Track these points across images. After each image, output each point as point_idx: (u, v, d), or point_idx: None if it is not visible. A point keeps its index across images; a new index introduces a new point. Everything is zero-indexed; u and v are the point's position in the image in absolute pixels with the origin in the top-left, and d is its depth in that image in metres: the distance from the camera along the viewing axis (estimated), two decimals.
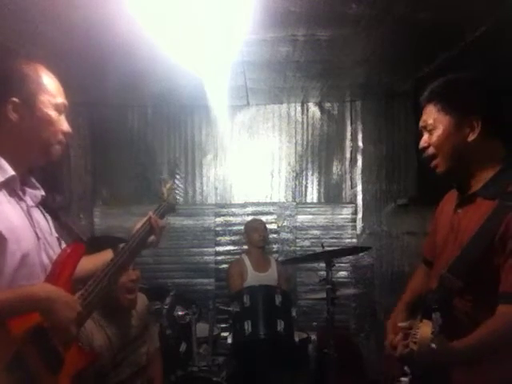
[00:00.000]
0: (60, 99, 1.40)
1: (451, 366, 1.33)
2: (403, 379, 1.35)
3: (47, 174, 1.47)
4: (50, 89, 1.37)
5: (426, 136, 1.47)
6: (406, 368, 1.36)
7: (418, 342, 1.22)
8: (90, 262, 1.54)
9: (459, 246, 1.36)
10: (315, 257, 3.45)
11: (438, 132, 1.42)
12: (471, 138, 1.38)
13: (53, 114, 1.37)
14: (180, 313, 2.91)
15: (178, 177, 4.36)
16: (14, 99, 1.31)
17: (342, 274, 4.22)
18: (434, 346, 1.18)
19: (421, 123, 1.49)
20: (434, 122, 1.43)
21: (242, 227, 4.17)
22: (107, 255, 1.57)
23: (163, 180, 1.93)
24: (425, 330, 1.22)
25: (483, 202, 1.37)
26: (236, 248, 4.27)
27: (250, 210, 4.31)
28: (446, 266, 1.36)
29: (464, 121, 1.39)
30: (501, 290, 1.27)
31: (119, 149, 4.31)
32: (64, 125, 1.40)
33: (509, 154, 1.42)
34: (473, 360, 1.30)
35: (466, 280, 1.29)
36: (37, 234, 1.36)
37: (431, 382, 1.35)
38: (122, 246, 1.57)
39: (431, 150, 1.46)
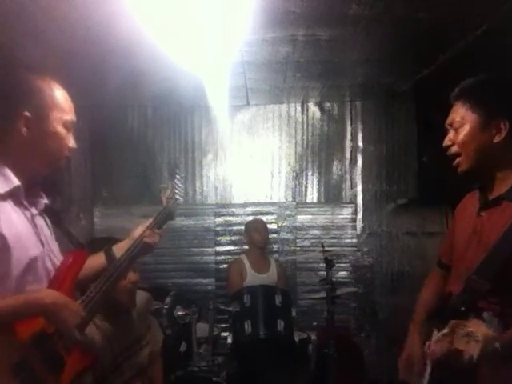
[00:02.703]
0: (70, 116, 1.42)
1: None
2: None
3: (47, 174, 1.48)
4: (62, 105, 1.40)
5: (451, 134, 1.46)
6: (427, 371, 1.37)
7: (482, 342, 1.17)
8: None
9: (484, 249, 1.35)
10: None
11: (465, 130, 1.41)
12: (497, 139, 1.38)
13: (61, 130, 1.39)
14: (180, 313, 2.91)
15: (178, 177, 4.36)
16: (26, 113, 1.33)
17: (342, 273, 4.22)
18: (497, 345, 1.17)
19: (448, 121, 1.48)
20: (462, 120, 1.42)
21: (242, 227, 4.16)
22: (100, 259, 1.61)
23: (163, 188, 1.94)
24: (482, 329, 1.19)
25: (509, 206, 1.36)
26: (236, 248, 4.27)
27: (250, 209, 4.31)
28: (470, 269, 1.35)
29: (491, 122, 1.38)
30: None
31: (119, 149, 4.30)
32: (71, 141, 1.43)
33: None
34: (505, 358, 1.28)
35: (493, 282, 1.28)
36: (41, 241, 1.39)
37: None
38: (121, 255, 1.61)
39: (455, 149, 1.45)
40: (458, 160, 1.45)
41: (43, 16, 2.29)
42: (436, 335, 1.36)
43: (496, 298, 1.31)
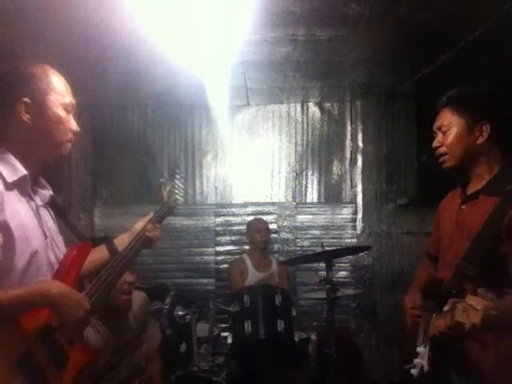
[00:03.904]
0: (68, 99, 1.43)
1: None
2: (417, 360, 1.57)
3: (47, 174, 1.49)
4: (59, 89, 1.41)
5: (439, 137, 1.66)
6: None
7: (482, 310, 1.29)
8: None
9: (467, 238, 1.54)
10: (315, 257, 3.45)
11: (453, 133, 1.62)
12: (480, 141, 1.59)
13: (62, 113, 1.40)
14: (180, 313, 2.91)
15: (178, 177, 4.36)
16: (26, 99, 1.34)
17: (342, 273, 4.22)
18: (494, 312, 1.32)
19: (436, 125, 1.68)
20: (449, 124, 1.63)
21: (242, 227, 4.17)
22: (101, 253, 1.62)
23: (163, 183, 1.95)
24: (480, 300, 1.32)
25: (487, 199, 1.55)
26: (236, 248, 4.27)
27: (250, 210, 4.31)
28: (457, 256, 1.54)
29: (476, 125, 1.59)
30: None
31: (119, 149, 4.30)
32: (73, 124, 1.44)
33: (505, 157, 1.63)
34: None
35: (478, 266, 1.47)
36: (45, 233, 1.39)
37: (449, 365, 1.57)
38: (123, 248, 1.62)
39: (443, 149, 1.65)
40: (444, 158, 1.65)
41: (43, 16, 2.29)
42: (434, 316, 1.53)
43: (479, 280, 1.47)
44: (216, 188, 4.38)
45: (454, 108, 1.63)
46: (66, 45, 2.65)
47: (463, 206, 1.64)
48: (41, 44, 2.61)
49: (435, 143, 1.67)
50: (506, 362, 1.49)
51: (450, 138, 1.62)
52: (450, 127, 1.62)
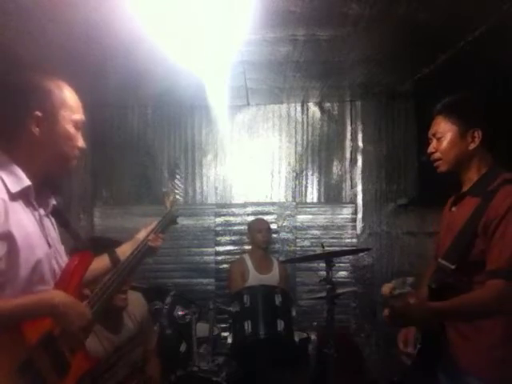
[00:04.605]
0: (79, 116, 1.43)
1: (437, 321, 1.64)
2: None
3: (54, 175, 1.49)
4: (72, 105, 1.41)
5: (434, 143, 1.75)
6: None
7: (383, 291, 1.54)
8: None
9: (451, 238, 1.66)
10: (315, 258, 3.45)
11: (446, 139, 1.71)
12: (472, 146, 1.68)
13: (72, 129, 1.40)
14: (180, 313, 2.91)
15: (178, 177, 4.36)
16: (38, 113, 1.34)
17: (342, 273, 4.22)
18: (396, 292, 1.53)
19: (431, 131, 1.77)
20: (443, 131, 1.71)
21: (242, 227, 4.17)
22: (103, 262, 1.62)
23: (166, 193, 1.96)
24: (387, 285, 1.57)
25: (471, 200, 1.66)
26: (236, 248, 4.27)
27: (250, 210, 4.31)
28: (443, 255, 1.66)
29: (468, 132, 1.68)
30: (488, 268, 1.54)
31: (119, 149, 4.30)
32: (80, 141, 1.44)
33: (494, 160, 1.71)
34: (459, 319, 1.61)
35: (457, 264, 1.58)
36: (48, 242, 1.39)
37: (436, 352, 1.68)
38: (125, 258, 1.63)
39: (437, 155, 1.74)
40: (438, 163, 1.75)
41: (43, 16, 2.29)
42: None
43: (461, 275, 1.59)
44: (216, 188, 4.38)
45: (447, 115, 1.72)
46: (66, 44, 2.65)
47: (453, 208, 1.77)
48: (41, 44, 2.61)
49: (430, 149, 1.76)
50: (487, 356, 1.55)
51: (444, 143, 1.71)
52: (443, 134, 1.71)
